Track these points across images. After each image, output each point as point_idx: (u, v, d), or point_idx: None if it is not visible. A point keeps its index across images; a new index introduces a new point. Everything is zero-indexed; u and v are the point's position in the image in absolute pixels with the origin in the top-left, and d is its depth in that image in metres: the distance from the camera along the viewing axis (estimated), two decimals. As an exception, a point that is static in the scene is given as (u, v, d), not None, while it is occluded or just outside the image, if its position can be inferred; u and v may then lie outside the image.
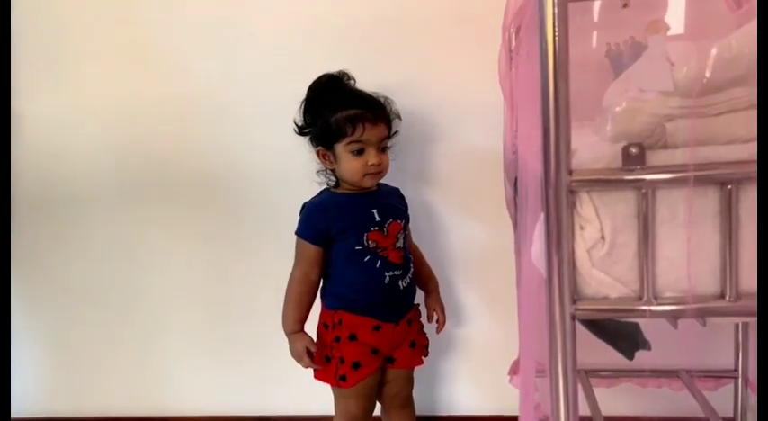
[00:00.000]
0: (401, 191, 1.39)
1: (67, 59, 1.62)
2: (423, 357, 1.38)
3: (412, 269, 1.33)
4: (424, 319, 1.40)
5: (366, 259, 1.25)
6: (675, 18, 1.04)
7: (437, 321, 1.40)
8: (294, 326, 1.27)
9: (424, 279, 1.41)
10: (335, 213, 1.26)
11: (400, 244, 1.29)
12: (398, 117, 1.31)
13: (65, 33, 1.61)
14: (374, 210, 1.27)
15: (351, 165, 1.23)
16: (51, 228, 1.70)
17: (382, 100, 1.28)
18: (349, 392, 1.28)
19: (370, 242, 1.25)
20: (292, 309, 1.28)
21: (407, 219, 1.34)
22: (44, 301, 1.75)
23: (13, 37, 1.59)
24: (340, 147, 1.23)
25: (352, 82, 1.30)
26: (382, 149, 1.26)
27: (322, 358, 1.28)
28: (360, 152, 1.22)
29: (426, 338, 1.39)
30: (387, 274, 1.27)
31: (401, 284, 1.29)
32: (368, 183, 1.26)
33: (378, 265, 1.26)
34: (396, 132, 1.32)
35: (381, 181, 1.34)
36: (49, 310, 1.75)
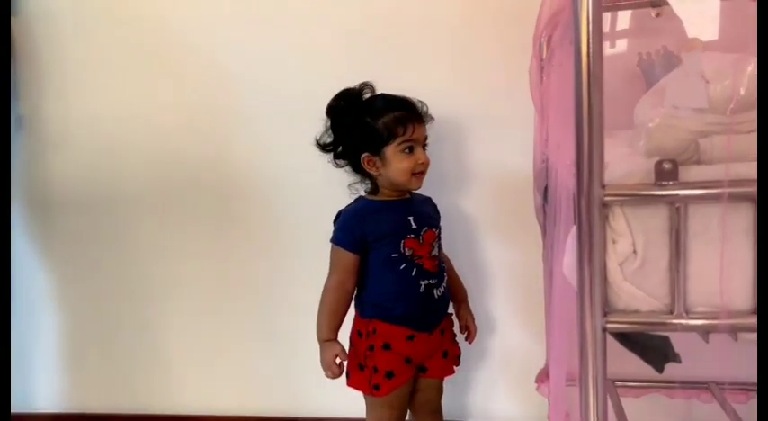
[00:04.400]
0: (433, 200, 1.40)
1: (89, 64, 1.68)
2: (454, 367, 1.38)
3: (446, 278, 1.33)
4: (456, 329, 1.39)
5: (402, 267, 1.26)
6: (710, 27, 1.03)
7: (468, 331, 1.41)
8: (328, 335, 1.27)
9: (455, 289, 1.41)
10: (372, 220, 1.27)
11: (435, 252, 1.29)
12: (432, 118, 1.33)
13: (96, 36, 1.67)
14: (410, 218, 1.27)
15: (402, 166, 1.24)
16: (80, 229, 1.74)
17: (418, 102, 1.30)
18: (382, 401, 1.28)
19: (406, 249, 1.25)
20: (327, 318, 1.27)
21: (440, 228, 1.35)
22: (67, 300, 1.79)
23: (51, 38, 1.66)
24: (390, 149, 1.24)
25: (372, 92, 1.31)
26: (425, 148, 1.28)
27: (355, 366, 1.29)
28: (410, 151, 1.24)
29: (458, 348, 1.38)
30: (422, 283, 1.27)
31: (436, 293, 1.29)
32: (415, 184, 1.27)
33: (413, 274, 1.26)
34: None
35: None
36: (71, 308, 1.79)
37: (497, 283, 1.58)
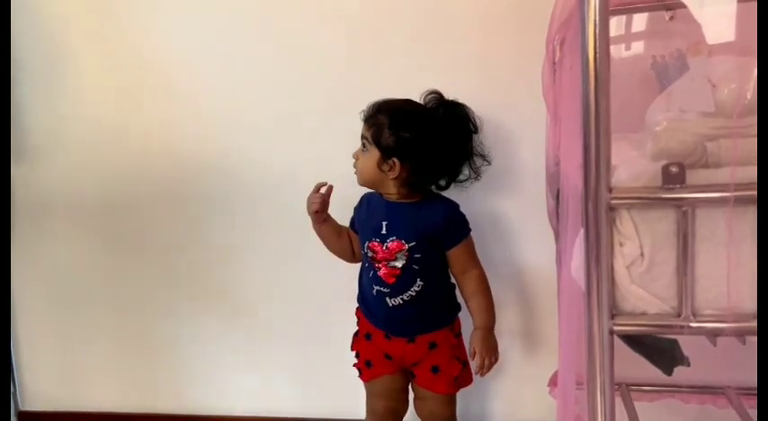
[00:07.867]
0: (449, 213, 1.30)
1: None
2: (450, 386, 1.31)
3: (412, 293, 1.27)
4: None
5: (366, 264, 1.32)
6: (723, 30, 1.03)
7: (476, 360, 1.28)
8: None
9: (471, 313, 1.31)
10: (361, 210, 1.35)
11: (397, 263, 1.25)
12: (395, 128, 1.22)
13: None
14: (384, 222, 1.27)
15: None
16: (79, 230, 1.77)
17: (384, 104, 1.26)
18: (369, 388, 1.36)
19: (369, 251, 1.29)
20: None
21: (427, 245, 1.26)
22: (70, 299, 1.81)
23: (77, 41, 1.68)
24: None
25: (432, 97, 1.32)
26: (364, 148, 1.26)
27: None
28: None
29: (458, 369, 1.31)
30: (375, 287, 1.29)
31: (390, 302, 1.28)
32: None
33: (370, 275, 1.30)
34: (391, 148, 1.23)
35: (443, 194, 1.31)
36: (73, 308, 1.81)
37: (514, 288, 1.56)
